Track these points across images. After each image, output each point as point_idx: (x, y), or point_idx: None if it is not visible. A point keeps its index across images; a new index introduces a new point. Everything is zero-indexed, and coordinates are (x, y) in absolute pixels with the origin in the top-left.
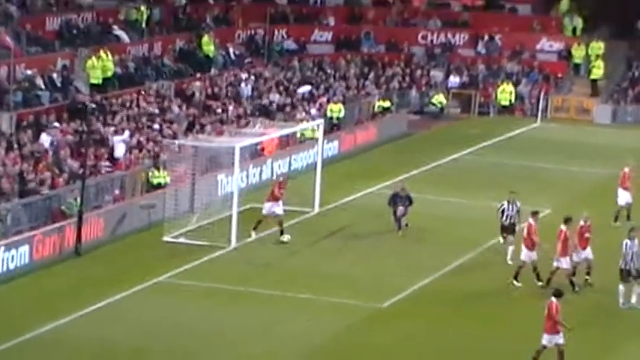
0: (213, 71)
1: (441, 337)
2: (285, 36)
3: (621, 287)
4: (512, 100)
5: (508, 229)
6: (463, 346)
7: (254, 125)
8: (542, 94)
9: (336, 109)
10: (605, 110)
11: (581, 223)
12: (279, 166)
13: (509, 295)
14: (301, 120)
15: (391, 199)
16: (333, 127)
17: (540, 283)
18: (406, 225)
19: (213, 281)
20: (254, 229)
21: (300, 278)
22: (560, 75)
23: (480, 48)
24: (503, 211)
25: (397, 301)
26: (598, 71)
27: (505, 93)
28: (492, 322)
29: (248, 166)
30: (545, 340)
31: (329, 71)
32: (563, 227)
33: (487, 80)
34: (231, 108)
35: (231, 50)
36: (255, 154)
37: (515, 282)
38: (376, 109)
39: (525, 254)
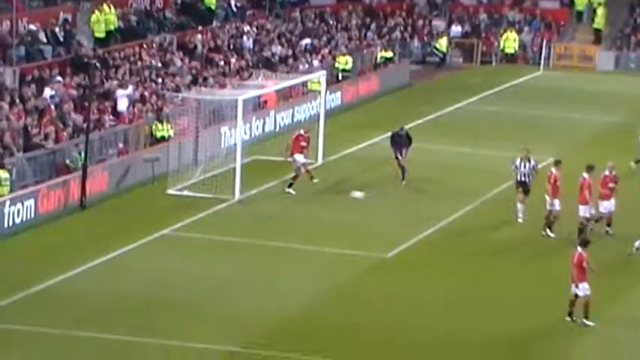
0: (215, 24)
1: (445, 287)
2: None
3: None
4: (517, 48)
5: (522, 186)
6: (468, 294)
7: (256, 77)
8: (544, 42)
9: (343, 61)
10: (607, 57)
11: (606, 172)
12: (282, 118)
13: (513, 245)
14: (304, 72)
15: (391, 139)
16: (340, 79)
17: (548, 232)
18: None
19: (218, 234)
20: (290, 185)
21: (304, 230)
22: (562, 23)
23: None
24: (516, 168)
25: (401, 251)
26: (601, 20)
27: (509, 41)
28: (496, 272)
29: (251, 119)
30: (576, 288)
31: (331, 22)
32: (585, 175)
33: (489, 29)
34: (233, 60)
35: (232, 2)
36: (258, 106)
37: (548, 232)
38: (378, 59)
39: (549, 202)
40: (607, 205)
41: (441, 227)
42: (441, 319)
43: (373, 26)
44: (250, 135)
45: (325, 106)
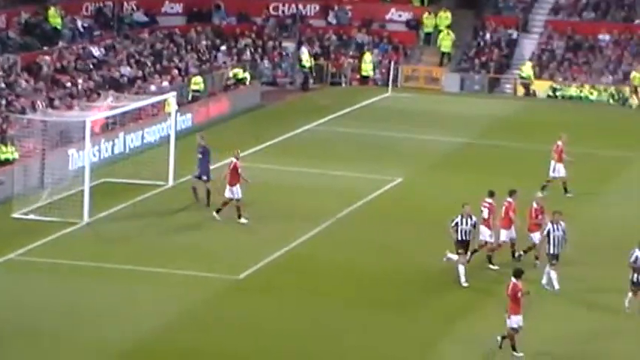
0: (60, 44)
1: (296, 309)
2: (135, 8)
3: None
4: (372, 71)
5: (462, 245)
6: (317, 317)
7: (105, 99)
8: (392, 63)
9: (198, 82)
10: (453, 79)
11: (534, 205)
12: (132, 139)
13: (362, 266)
14: (154, 93)
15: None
16: (191, 100)
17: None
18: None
19: (66, 258)
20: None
21: (154, 252)
22: (409, 45)
23: (331, 18)
24: (456, 225)
25: (253, 272)
26: (447, 43)
27: (366, 63)
28: (344, 294)
29: (100, 140)
30: (515, 321)
31: (180, 43)
32: (510, 199)
33: (338, 51)
34: (80, 81)
35: (79, 23)
36: (107, 127)
37: (491, 265)
38: (231, 79)
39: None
40: (537, 237)
41: (291, 248)
42: (287, 344)
43: (223, 47)
44: (99, 157)
45: (176, 127)
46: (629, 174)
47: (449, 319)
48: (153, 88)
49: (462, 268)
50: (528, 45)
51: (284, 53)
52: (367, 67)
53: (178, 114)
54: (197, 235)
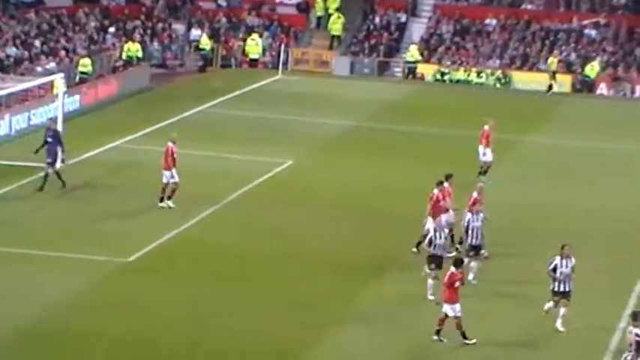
0: None
1: (185, 292)
2: None
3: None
4: (260, 53)
5: (436, 261)
6: (206, 300)
7: None
8: (282, 46)
9: (86, 63)
10: (343, 62)
11: (474, 194)
12: (18, 121)
13: (252, 249)
14: (41, 74)
15: (45, 132)
16: (79, 82)
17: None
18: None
19: None
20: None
21: (43, 235)
22: (299, 28)
23: (221, 1)
24: (431, 240)
25: (142, 255)
26: (337, 26)
27: (252, 46)
28: (234, 277)
29: None
30: (447, 308)
31: (68, 24)
32: (446, 184)
33: (228, 33)
34: None
35: None
36: None
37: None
38: (119, 61)
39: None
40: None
41: (182, 231)
42: (176, 327)
43: (112, 29)
44: None
45: (63, 109)
46: (515, 157)
47: (339, 302)
48: (39, 69)
49: (430, 283)
50: (417, 29)
51: (174, 35)
52: (254, 50)
53: (66, 96)
54: (86, 218)
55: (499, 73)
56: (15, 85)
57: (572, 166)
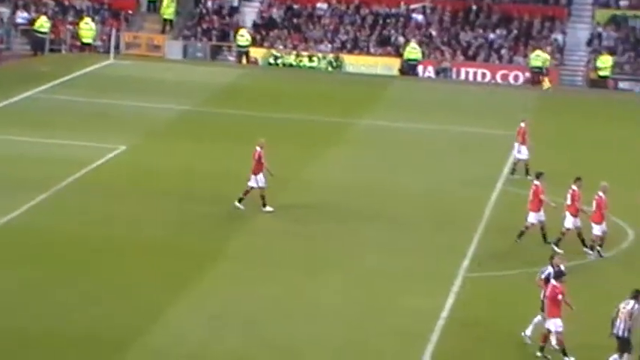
0: None
1: (18, 280)
2: None
3: None
4: (94, 38)
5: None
6: (39, 290)
7: None
8: (113, 30)
9: None
10: (176, 46)
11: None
12: None
13: (85, 236)
14: None
15: None
16: None
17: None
18: None
19: None
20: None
21: None
22: (130, 11)
23: None
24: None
25: None
26: (170, 10)
27: (86, 30)
28: (69, 265)
29: None
30: (549, 324)
31: None
32: (537, 183)
33: (57, 17)
34: None
35: None
36: None
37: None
38: None
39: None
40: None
41: (11, 219)
42: (4, 312)
43: None
44: None
45: None
46: (346, 139)
47: (174, 286)
48: None
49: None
50: (249, 13)
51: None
52: (88, 35)
53: None
54: None
55: (331, 56)
56: None
57: (401, 148)
